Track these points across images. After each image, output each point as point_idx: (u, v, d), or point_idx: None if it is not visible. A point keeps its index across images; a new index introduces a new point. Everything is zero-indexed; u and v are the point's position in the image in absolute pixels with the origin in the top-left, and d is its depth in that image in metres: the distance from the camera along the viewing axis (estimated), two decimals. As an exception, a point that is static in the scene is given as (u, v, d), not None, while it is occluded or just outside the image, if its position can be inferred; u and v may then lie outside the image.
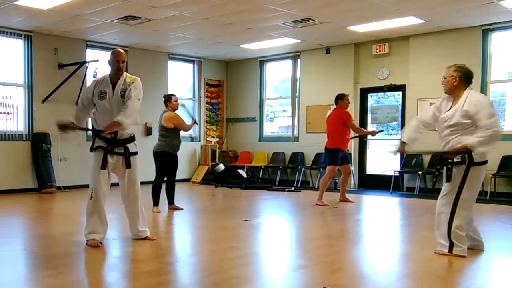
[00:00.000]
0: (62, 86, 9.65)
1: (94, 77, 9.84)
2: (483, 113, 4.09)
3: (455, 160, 4.25)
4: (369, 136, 9.77)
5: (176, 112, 6.97)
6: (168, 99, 6.93)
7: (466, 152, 4.16)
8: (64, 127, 4.73)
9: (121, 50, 4.78)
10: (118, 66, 4.64)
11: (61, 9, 7.91)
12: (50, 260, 4.15)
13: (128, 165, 4.68)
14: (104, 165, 4.59)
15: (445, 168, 4.31)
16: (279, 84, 12.65)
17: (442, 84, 4.41)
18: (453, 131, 4.25)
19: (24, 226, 6.27)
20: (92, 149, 4.67)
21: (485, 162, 4.27)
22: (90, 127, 5.27)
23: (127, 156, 4.68)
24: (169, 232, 5.84)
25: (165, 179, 7.03)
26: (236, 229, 5.77)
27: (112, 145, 4.63)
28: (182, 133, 7.12)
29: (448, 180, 4.27)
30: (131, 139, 4.74)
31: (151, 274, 3.75)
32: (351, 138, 8.16)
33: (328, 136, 7.86)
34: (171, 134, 6.85)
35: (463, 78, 4.30)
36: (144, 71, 10.14)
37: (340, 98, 7.88)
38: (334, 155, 7.77)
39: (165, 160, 6.85)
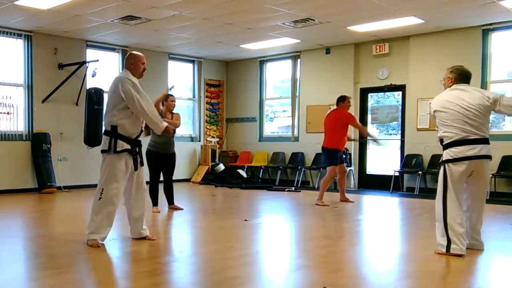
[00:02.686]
0: (62, 86, 9.65)
1: (93, 77, 9.88)
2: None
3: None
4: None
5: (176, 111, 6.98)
6: (165, 99, 6.93)
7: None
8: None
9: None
10: (144, 68, 4.74)
11: (61, 9, 7.91)
12: (50, 260, 4.15)
13: (142, 163, 4.74)
14: (136, 167, 4.65)
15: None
16: (279, 84, 12.64)
17: (443, 84, 4.60)
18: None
19: (24, 226, 6.27)
20: (115, 152, 4.52)
21: (459, 159, 4.29)
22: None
23: (140, 156, 4.75)
24: (169, 232, 5.83)
25: (162, 179, 7.02)
26: (236, 229, 5.77)
27: (138, 147, 4.70)
28: (182, 132, 7.09)
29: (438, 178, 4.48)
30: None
31: (151, 274, 3.75)
32: (350, 140, 8.16)
33: (326, 135, 7.84)
34: (154, 132, 6.84)
35: (458, 78, 4.47)
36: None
37: (342, 100, 7.88)
38: (335, 155, 7.77)
39: (150, 159, 6.82)
